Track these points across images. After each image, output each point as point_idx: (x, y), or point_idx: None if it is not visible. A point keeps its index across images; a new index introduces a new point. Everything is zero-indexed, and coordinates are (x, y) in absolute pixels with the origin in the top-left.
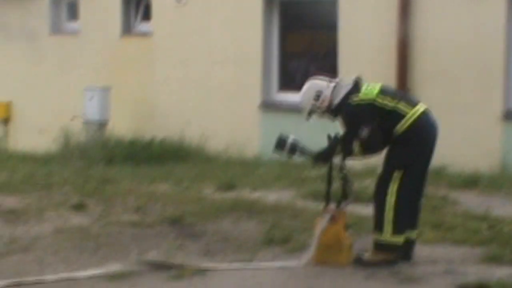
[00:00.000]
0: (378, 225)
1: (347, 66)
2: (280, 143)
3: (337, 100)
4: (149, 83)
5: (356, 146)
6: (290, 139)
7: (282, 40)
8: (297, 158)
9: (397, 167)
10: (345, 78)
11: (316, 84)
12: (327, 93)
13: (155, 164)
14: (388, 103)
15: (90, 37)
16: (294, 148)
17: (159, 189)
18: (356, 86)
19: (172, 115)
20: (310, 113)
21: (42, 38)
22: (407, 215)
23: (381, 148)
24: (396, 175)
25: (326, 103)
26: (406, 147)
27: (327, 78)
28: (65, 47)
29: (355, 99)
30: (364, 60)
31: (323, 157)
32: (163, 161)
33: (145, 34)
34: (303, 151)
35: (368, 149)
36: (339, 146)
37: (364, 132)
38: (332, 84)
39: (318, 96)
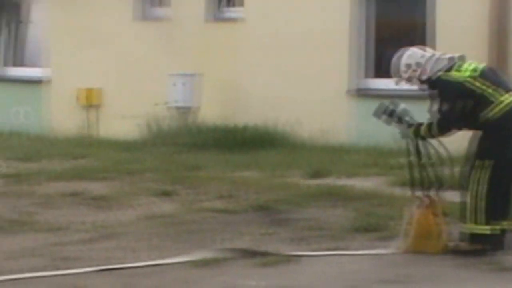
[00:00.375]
0: (470, 214)
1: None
2: (385, 110)
3: (430, 72)
4: (237, 69)
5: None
6: (400, 107)
7: (372, 24)
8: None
9: (488, 156)
10: (448, 53)
11: (414, 52)
12: (422, 62)
13: (241, 150)
14: (480, 86)
15: (177, 22)
16: (394, 115)
17: (246, 176)
18: (452, 63)
19: (260, 101)
20: (400, 78)
21: (127, 23)
22: (499, 204)
23: (456, 128)
24: (488, 164)
25: (418, 73)
26: (498, 136)
27: (427, 49)
28: (152, 33)
29: (446, 75)
30: (460, 47)
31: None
32: (250, 147)
33: (234, 20)
34: (404, 120)
35: (442, 125)
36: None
37: (444, 107)
38: (429, 55)
39: (411, 64)
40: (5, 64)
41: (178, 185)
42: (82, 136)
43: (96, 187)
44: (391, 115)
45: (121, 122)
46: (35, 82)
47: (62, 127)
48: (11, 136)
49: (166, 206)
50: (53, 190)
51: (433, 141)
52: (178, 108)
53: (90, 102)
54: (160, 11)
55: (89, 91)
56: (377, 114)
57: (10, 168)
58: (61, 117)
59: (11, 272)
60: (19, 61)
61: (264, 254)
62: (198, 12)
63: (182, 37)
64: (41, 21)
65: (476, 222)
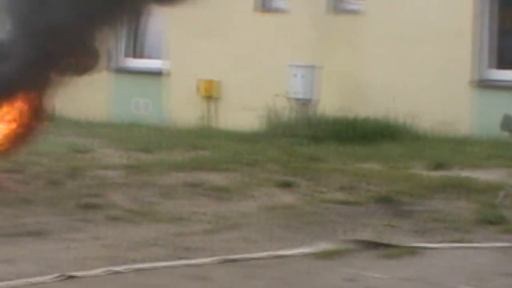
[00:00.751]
0: None
1: None
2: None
3: None
4: (357, 61)
5: None
6: None
7: (495, 15)
8: None
9: None
10: None
11: None
12: None
13: (361, 142)
14: None
15: (297, 14)
16: None
17: (366, 167)
18: None
19: (380, 93)
20: None
21: (247, 14)
22: None
23: None
24: None
25: None
26: None
27: None
28: (272, 24)
29: None
30: None
31: None
32: (370, 139)
33: (353, 11)
34: None
35: None
36: None
37: None
38: None
39: None
40: (126, 55)
41: (298, 176)
42: (202, 128)
43: (217, 178)
44: None
45: (240, 114)
46: (155, 73)
47: (182, 119)
48: (131, 127)
49: (286, 197)
50: (174, 181)
51: None
52: (298, 99)
53: (210, 93)
54: (281, 2)
55: (209, 82)
56: (504, 127)
57: (131, 159)
58: (180, 108)
59: (134, 262)
60: (139, 53)
61: (387, 246)
62: (319, 4)
63: (302, 28)
64: (161, 13)
65: None
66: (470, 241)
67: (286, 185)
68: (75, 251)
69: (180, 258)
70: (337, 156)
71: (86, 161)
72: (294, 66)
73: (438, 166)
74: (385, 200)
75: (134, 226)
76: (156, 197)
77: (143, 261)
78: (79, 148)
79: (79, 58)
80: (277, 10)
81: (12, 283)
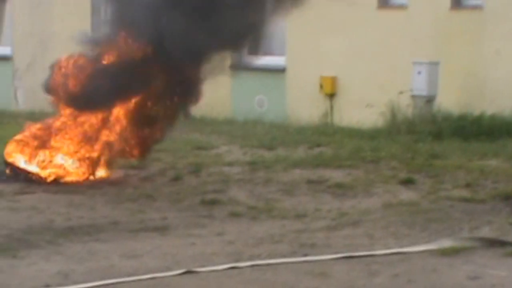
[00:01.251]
0: None
1: None
2: None
3: None
4: (479, 57)
5: None
6: None
7: None
8: None
9: None
10: None
11: None
12: None
13: (485, 139)
14: None
15: (418, 10)
16: None
17: (490, 164)
18: None
19: (503, 89)
20: None
21: (369, 11)
22: None
23: None
24: None
25: None
26: None
27: None
28: (393, 21)
29: None
30: None
31: None
32: (494, 136)
33: (475, 7)
34: None
35: None
36: None
37: None
38: None
39: None
40: (250, 52)
41: (421, 173)
42: (323, 124)
43: (339, 175)
44: None
45: (361, 110)
46: (278, 70)
47: (304, 115)
48: (255, 124)
49: (409, 194)
50: (297, 178)
51: None
52: (420, 96)
53: (332, 90)
54: None
55: (331, 79)
56: None
57: (254, 156)
58: (302, 105)
59: (259, 258)
60: (262, 50)
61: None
62: (440, 0)
63: (424, 24)
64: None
65: None
66: None
67: (409, 182)
68: (199, 247)
69: (304, 255)
70: (461, 153)
71: (209, 158)
72: (418, 63)
73: None
74: (510, 198)
75: (257, 223)
76: (279, 193)
77: (268, 257)
78: (203, 145)
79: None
80: (398, 7)
81: (137, 278)
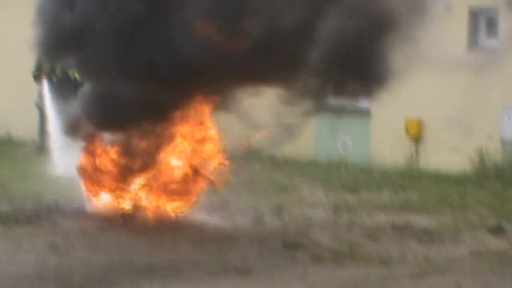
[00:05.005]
0: None
1: None
2: None
3: None
4: None
5: None
6: None
7: None
8: None
9: None
10: None
11: None
12: None
13: None
14: None
15: (509, 53)
16: None
17: None
18: None
19: None
20: None
21: (458, 54)
22: None
23: None
24: None
25: None
26: None
27: None
28: (482, 63)
29: None
30: None
31: None
32: None
33: None
34: None
35: None
36: None
37: None
38: None
39: None
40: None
41: (510, 221)
42: (408, 168)
43: (425, 221)
44: None
45: (447, 154)
46: (361, 112)
47: (388, 158)
48: (338, 166)
49: (499, 243)
50: (381, 222)
51: None
52: (510, 142)
53: (417, 133)
54: (492, 41)
55: (417, 121)
56: None
57: (337, 199)
58: (387, 148)
59: None
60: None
61: None
62: None
63: None
64: None
65: None
66: None
67: (499, 230)
68: None
69: None
70: None
71: (291, 199)
72: (508, 107)
73: None
74: None
75: (340, 267)
76: (362, 238)
77: None
78: (285, 186)
79: None
80: (487, 49)
81: None
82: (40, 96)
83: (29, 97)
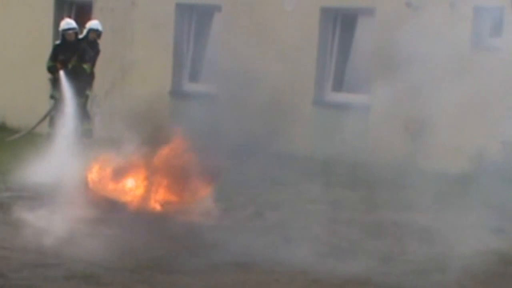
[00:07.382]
0: None
1: None
2: None
3: None
4: None
5: None
6: None
7: None
8: None
9: None
10: None
11: None
12: None
13: None
14: None
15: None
16: None
17: None
18: None
19: None
20: None
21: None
22: None
23: None
24: None
25: None
26: None
27: None
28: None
29: None
30: None
31: None
32: None
33: None
34: None
35: None
36: None
37: None
38: None
39: None
40: (333, 89)
41: (510, 221)
42: (408, 165)
43: (425, 219)
44: None
45: (447, 153)
46: (360, 108)
47: (388, 155)
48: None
49: (499, 243)
50: (381, 219)
51: None
52: (506, 143)
53: (417, 130)
54: (497, 40)
55: (416, 119)
56: None
57: (337, 194)
58: (386, 144)
59: None
60: (344, 87)
61: None
62: None
63: None
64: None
65: None
66: None
67: (499, 231)
68: (283, 285)
69: None
70: None
71: (290, 195)
72: (509, 107)
73: None
74: None
75: (341, 263)
76: (363, 234)
77: None
78: (283, 181)
79: None
80: (495, 49)
81: None
82: (55, 87)
83: (22, 86)
